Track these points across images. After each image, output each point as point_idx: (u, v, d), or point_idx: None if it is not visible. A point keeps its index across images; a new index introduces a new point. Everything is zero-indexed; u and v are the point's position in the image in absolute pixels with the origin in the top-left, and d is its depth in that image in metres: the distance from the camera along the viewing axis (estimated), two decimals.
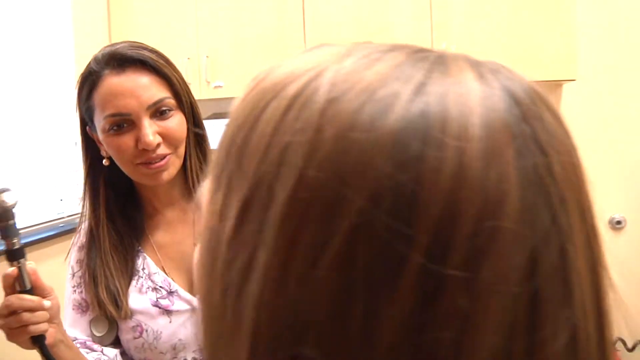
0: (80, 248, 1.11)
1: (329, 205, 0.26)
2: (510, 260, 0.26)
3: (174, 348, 1.05)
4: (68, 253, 1.14)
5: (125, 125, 1.00)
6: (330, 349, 0.26)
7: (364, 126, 0.27)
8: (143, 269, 1.09)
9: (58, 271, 1.16)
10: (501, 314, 0.26)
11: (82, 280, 1.07)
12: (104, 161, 1.07)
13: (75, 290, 1.09)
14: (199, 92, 2.79)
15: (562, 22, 2.37)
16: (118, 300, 1.04)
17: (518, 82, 0.30)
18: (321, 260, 0.26)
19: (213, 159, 0.34)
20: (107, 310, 1.03)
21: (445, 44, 2.30)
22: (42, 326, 0.89)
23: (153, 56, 1.04)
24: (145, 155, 1.01)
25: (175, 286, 1.08)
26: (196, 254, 0.38)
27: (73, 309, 1.09)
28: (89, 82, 1.03)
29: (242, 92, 0.34)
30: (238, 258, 0.29)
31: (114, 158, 1.05)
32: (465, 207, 0.25)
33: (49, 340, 0.90)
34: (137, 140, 1.00)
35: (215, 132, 2.62)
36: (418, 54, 0.30)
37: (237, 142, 0.31)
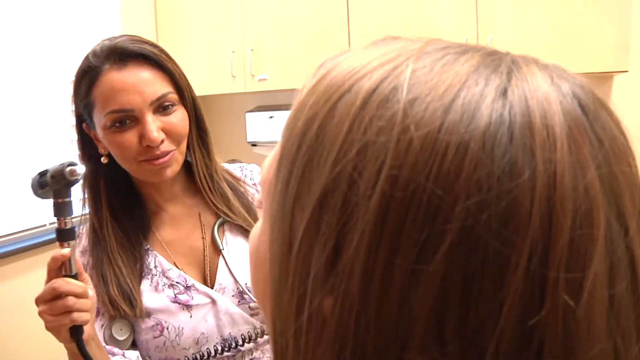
0: (83, 252, 1.06)
1: (429, 206, 0.27)
2: (602, 263, 0.27)
3: (197, 342, 1.03)
4: None
5: (127, 121, 0.97)
6: (433, 350, 0.27)
7: (452, 128, 0.27)
8: (155, 266, 1.07)
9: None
10: (599, 313, 0.28)
11: (91, 284, 1.00)
12: (102, 159, 1.04)
13: None
14: (243, 85, 2.82)
15: (613, 9, 2.28)
16: (132, 298, 1.01)
17: (580, 86, 0.31)
18: (427, 258, 0.27)
19: (280, 148, 0.34)
20: (120, 310, 1.00)
21: (491, 38, 2.26)
22: (85, 315, 0.86)
23: (155, 50, 1.01)
24: (149, 152, 0.99)
25: (191, 280, 1.06)
26: (252, 238, 0.39)
27: None
28: (88, 77, 0.98)
29: (306, 84, 0.35)
30: (315, 249, 0.29)
31: (115, 156, 1.02)
32: (561, 218, 0.27)
33: (84, 335, 0.87)
34: (141, 136, 0.97)
35: (259, 124, 2.64)
36: (491, 56, 0.31)
37: (309, 135, 0.31)
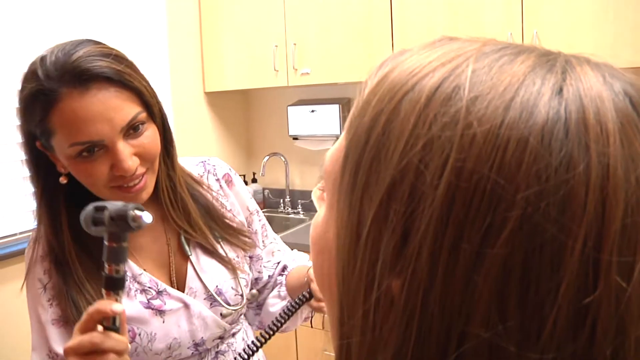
0: (43, 257, 0.98)
1: (492, 195, 0.29)
2: None
3: (169, 347, 1.01)
4: (27, 273, 1.00)
5: (96, 149, 0.89)
6: (496, 325, 0.29)
7: (513, 124, 0.30)
8: (125, 272, 1.01)
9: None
10: None
11: (56, 297, 0.96)
12: (61, 179, 0.95)
13: (52, 304, 0.97)
14: (286, 78, 2.83)
15: None
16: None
17: (630, 84, 0.33)
18: (491, 242, 0.29)
19: (345, 143, 0.36)
20: None
21: (536, 31, 2.22)
22: None
23: (118, 67, 0.89)
24: (121, 179, 0.92)
25: (162, 285, 1.03)
26: (314, 226, 0.42)
27: (55, 325, 0.97)
28: (43, 101, 0.87)
29: (368, 82, 0.37)
30: (384, 235, 0.32)
31: (83, 183, 0.94)
32: (614, 206, 0.29)
33: None
34: (112, 165, 0.90)
35: (300, 117, 2.64)
36: (546, 57, 0.33)
37: (376, 131, 0.33)
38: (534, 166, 0.29)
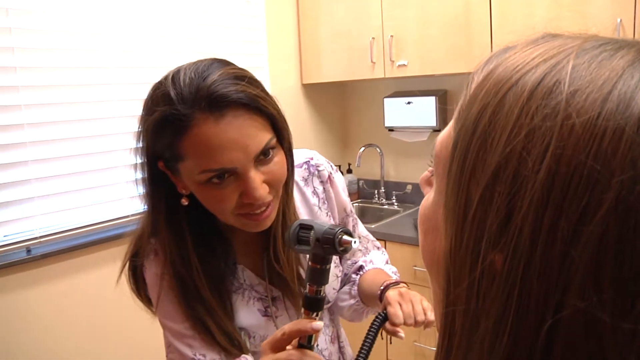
0: (162, 275, 0.99)
1: (589, 179, 0.31)
2: None
3: None
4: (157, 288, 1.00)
5: (226, 175, 0.86)
6: (591, 296, 0.31)
7: (610, 115, 0.31)
8: (245, 280, 1.04)
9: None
10: None
11: (191, 331, 0.98)
12: (182, 200, 0.93)
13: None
14: (382, 70, 2.82)
15: None
16: (236, 340, 0.99)
17: None
18: (587, 220, 0.31)
19: (454, 132, 0.39)
20: (231, 354, 0.98)
21: None
22: None
23: (252, 90, 0.86)
24: (249, 207, 0.90)
25: (276, 292, 1.05)
26: (424, 208, 0.45)
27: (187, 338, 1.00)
28: (175, 125, 0.83)
29: (475, 77, 0.40)
30: (489, 215, 0.35)
31: (208, 207, 0.92)
32: None
33: None
34: (242, 193, 0.88)
35: (396, 109, 2.61)
36: None
37: (483, 121, 0.36)
38: (629, 154, 0.31)
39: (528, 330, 0.33)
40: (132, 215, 2.35)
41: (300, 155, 1.16)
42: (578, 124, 0.32)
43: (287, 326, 0.79)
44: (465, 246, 0.36)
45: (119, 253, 1.08)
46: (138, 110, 0.91)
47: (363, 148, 3.19)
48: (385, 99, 3.05)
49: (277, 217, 0.99)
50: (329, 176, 1.17)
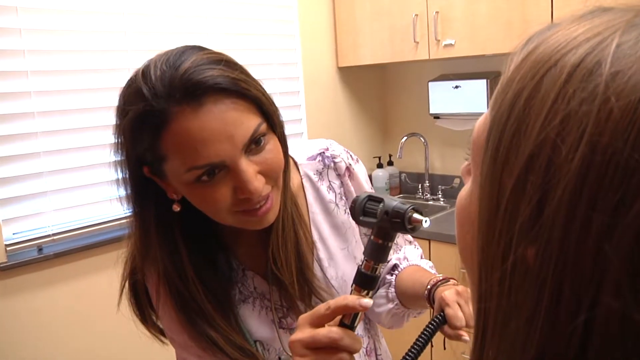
0: (158, 291, 0.98)
1: (626, 168, 0.30)
2: None
3: (279, 358, 1.03)
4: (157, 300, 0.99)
5: (216, 171, 0.82)
6: (626, 294, 0.30)
7: None
8: (255, 288, 1.02)
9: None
10: None
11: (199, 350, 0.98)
12: (174, 206, 0.89)
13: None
14: (427, 51, 2.77)
15: None
16: (248, 349, 0.96)
17: None
18: (622, 213, 0.29)
19: (490, 118, 0.39)
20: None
21: None
22: None
23: (230, 73, 0.82)
24: (247, 203, 0.86)
25: (290, 302, 1.03)
26: (461, 198, 0.44)
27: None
28: (151, 123, 0.80)
29: (514, 58, 0.39)
30: (521, 205, 0.34)
31: (202, 209, 0.88)
32: None
33: None
34: (236, 188, 0.84)
35: (442, 94, 2.41)
36: None
37: (517, 107, 0.35)
38: None
39: (561, 328, 0.32)
40: None
41: (314, 146, 1.11)
42: (616, 109, 0.30)
43: (333, 301, 0.77)
44: (497, 237, 0.36)
45: None
46: None
47: (405, 138, 3.15)
48: (430, 83, 2.98)
49: (278, 224, 0.98)
50: (348, 168, 1.11)
